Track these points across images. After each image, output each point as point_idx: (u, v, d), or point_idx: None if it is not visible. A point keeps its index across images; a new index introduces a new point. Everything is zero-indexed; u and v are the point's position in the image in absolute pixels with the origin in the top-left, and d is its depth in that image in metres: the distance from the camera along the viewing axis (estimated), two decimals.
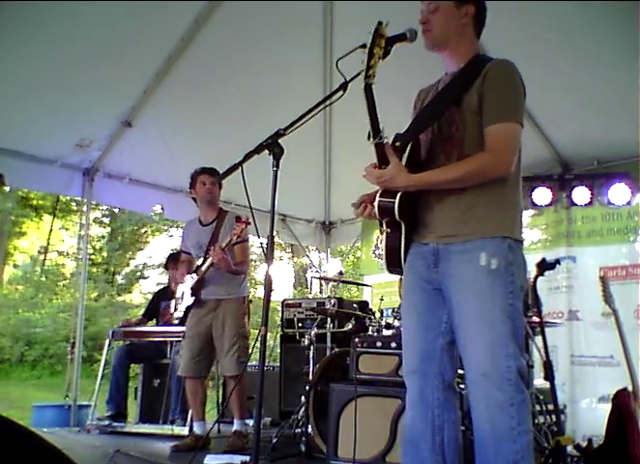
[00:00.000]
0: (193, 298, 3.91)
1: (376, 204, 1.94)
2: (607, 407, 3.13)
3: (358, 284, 7.56)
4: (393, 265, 2.02)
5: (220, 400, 5.03)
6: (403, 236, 1.96)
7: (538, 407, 3.56)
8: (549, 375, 2.87)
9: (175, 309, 4.16)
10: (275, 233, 2.41)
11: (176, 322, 4.22)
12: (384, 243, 2.00)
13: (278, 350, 5.21)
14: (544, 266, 2.95)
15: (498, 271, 1.81)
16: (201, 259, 3.92)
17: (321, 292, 7.18)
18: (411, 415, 1.96)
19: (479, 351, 1.79)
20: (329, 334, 4.06)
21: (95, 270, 15.90)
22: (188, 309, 3.98)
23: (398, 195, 1.90)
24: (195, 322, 3.90)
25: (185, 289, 4.01)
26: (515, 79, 1.91)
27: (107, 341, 4.88)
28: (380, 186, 1.94)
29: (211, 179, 3.91)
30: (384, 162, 1.92)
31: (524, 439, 1.74)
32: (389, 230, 1.97)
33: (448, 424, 1.91)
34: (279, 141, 2.02)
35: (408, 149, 1.96)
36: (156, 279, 16.41)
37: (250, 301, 4.12)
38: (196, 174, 3.95)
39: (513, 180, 1.94)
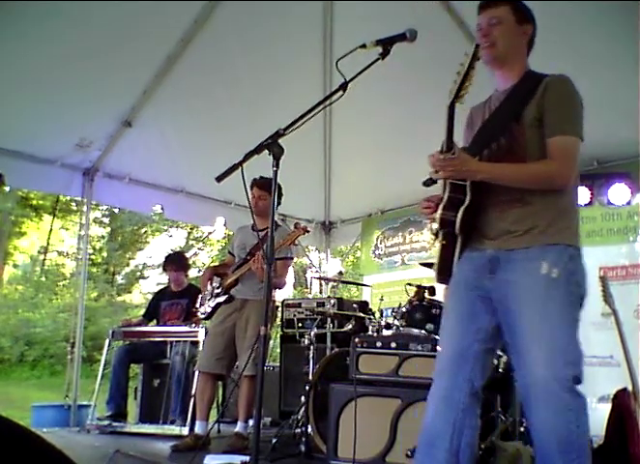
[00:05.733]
0: (225, 296, 3.97)
1: (438, 217, 1.98)
2: (607, 407, 3.13)
3: (358, 284, 7.56)
4: (444, 275, 2.04)
5: (221, 400, 5.03)
6: (458, 249, 2.00)
7: None
8: None
9: (201, 304, 4.18)
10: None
11: (201, 317, 4.23)
12: (438, 253, 2.04)
13: (278, 350, 5.21)
14: None
15: (558, 280, 1.83)
16: (241, 260, 3.98)
17: (321, 292, 7.17)
18: (432, 414, 1.96)
19: (537, 359, 1.81)
20: (329, 334, 4.06)
21: (95, 270, 15.90)
22: (217, 306, 4.02)
23: (461, 211, 1.94)
24: (221, 320, 3.95)
25: (212, 288, 4.09)
26: (575, 94, 1.96)
27: (107, 341, 4.88)
28: (449, 171, 1.93)
29: (259, 192, 3.93)
30: None
31: (581, 442, 1.77)
32: (445, 242, 2.01)
33: (467, 430, 1.92)
34: (279, 141, 2.01)
35: None
36: (156, 279, 16.43)
37: (277, 306, 4.15)
38: (252, 184, 3.95)
39: (572, 191, 1.98)
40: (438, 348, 2.09)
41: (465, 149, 2.01)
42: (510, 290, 1.89)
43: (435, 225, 2.00)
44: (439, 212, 1.98)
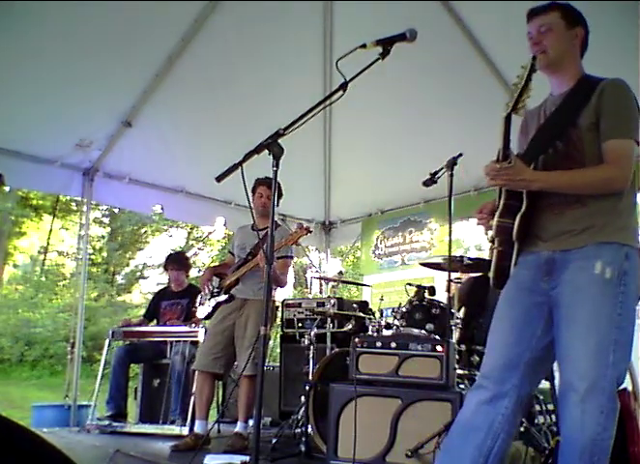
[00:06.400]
0: (226, 295, 3.98)
1: (494, 224, 1.99)
2: None
3: (358, 284, 7.56)
4: (502, 280, 2.05)
5: (221, 400, 5.03)
6: (515, 255, 2.01)
7: (537, 407, 3.56)
8: (549, 375, 2.86)
9: (201, 304, 4.18)
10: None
11: (201, 316, 4.24)
12: (494, 260, 2.05)
13: (278, 350, 5.21)
14: None
15: (611, 280, 1.84)
16: (241, 260, 3.98)
17: (321, 292, 7.17)
18: (473, 411, 1.96)
19: (580, 356, 1.82)
20: (329, 334, 4.06)
21: (95, 270, 15.90)
22: (217, 305, 4.03)
23: (518, 217, 1.94)
24: (220, 319, 3.95)
25: (212, 288, 4.09)
26: (632, 98, 1.96)
27: (107, 341, 4.88)
28: (504, 179, 1.93)
29: (267, 192, 3.93)
30: None
31: (604, 445, 1.79)
32: (501, 249, 2.02)
33: (504, 435, 1.92)
34: (279, 141, 2.01)
35: None
36: (156, 279, 16.45)
37: (277, 307, 4.14)
38: (257, 183, 3.96)
39: (629, 192, 1.99)
40: (486, 348, 2.07)
41: (520, 155, 2.01)
42: (564, 288, 1.90)
43: (491, 232, 2.01)
44: (496, 219, 1.99)
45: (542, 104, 2.15)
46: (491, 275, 2.08)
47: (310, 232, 3.76)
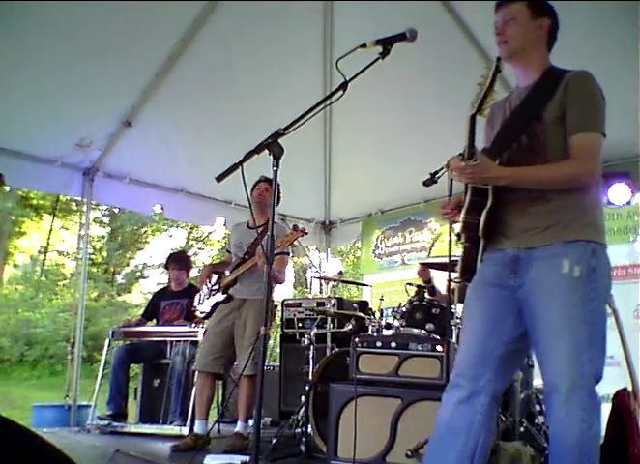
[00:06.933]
0: (225, 295, 3.98)
1: (461, 221, 1.99)
2: (607, 407, 3.12)
3: (357, 284, 7.56)
4: (468, 275, 2.06)
5: (221, 400, 5.03)
6: (481, 249, 2.01)
7: (537, 407, 3.56)
8: None
9: (200, 303, 4.19)
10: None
11: (200, 316, 4.24)
12: (462, 255, 2.06)
13: (278, 350, 5.21)
14: None
15: (580, 278, 1.83)
16: (238, 259, 3.98)
17: (321, 292, 7.17)
18: (450, 413, 1.95)
19: (558, 358, 1.82)
20: (329, 334, 4.07)
21: (95, 270, 15.90)
22: (216, 305, 4.03)
23: (484, 214, 1.94)
24: (219, 319, 3.96)
25: (210, 286, 4.10)
26: (597, 90, 1.94)
27: (107, 341, 4.88)
28: (469, 176, 1.92)
29: (266, 185, 3.97)
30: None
31: (593, 442, 1.78)
32: (468, 244, 2.02)
33: (485, 433, 1.92)
34: (279, 141, 2.01)
35: None
36: (156, 279, 16.44)
37: (276, 306, 4.14)
38: (257, 181, 4.00)
39: (595, 187, 1.97)
40: (459, 346, 2.11)
41: (486, 150, 2.01)
42: (532, 287, 1.89)
43: (458, 228, 2.01)
44: (462, 215, 1.98)
45: (508, 96, 2.13)
46: (458, 269, 2.08)
47: (306, 234, 3.77)
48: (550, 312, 1.84)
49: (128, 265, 18.03)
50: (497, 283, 1.97)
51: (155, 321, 5.19)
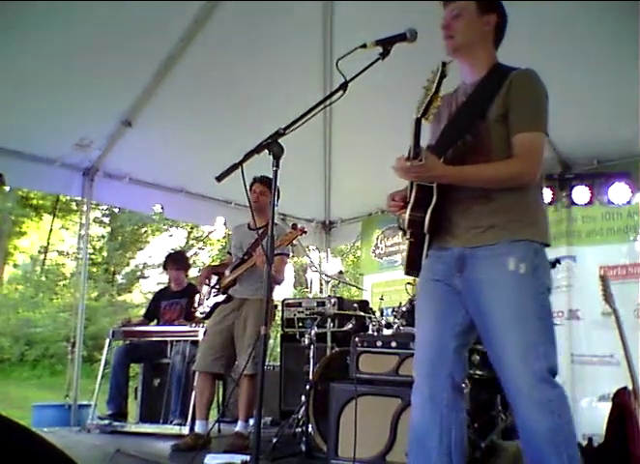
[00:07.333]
0: (224, 295, 3.99)
1: (406, 218, 1.98)
2: (607, 406, 3.13)
3: (354, 286, 7.56)
4: (413, 269, 2.07)
5: (221, 400, 5.03)
6: (426, 246, 2.02)
7: None
8: None
9: (199, 304, 4.19)
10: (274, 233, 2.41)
11: (200, 316, 4.25)
12: (407, 250, 2.07)
13: (278, 349, 5.21)
14: None
15: (526, 274, 1.85)
16: (238, 259, 3.99)
17: (321, 291, 7.18)
18: (419, 414, 1.97)
19: (512, 353, 1.83)
20: (329, 334, 4.07)
21: (95, 269, 15.89)
22: (215, 306, 4.04)
23: (429, 212, 1.93)
24: (219, 319, 3.97)
25: (210, 286, 4.12)
26: (541, 89, 1.94)
27: (107, 341, 4.89)
28: (414, 176, 1.95)
29: (260, 188, 3.98)
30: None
31: (566, 429, 1.78)
32: (413, 240, 2.03)
33: (455, 425, 1.93)
34: (279, 141, 2.01)
35: None
36: (156, 279, 16.43)
37: (276, 306, 4.14)
38: (252, 182, 4.00)
39: (537, 186, 1.99)
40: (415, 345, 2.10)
41: (431, 147, 2.01)
42: (480, 287, 1.90)
43: (404, 225, 2.01)
44: (407, 212, 1.98)
45: (455, 91, 2.12)
46: (403, 264, 2.10)
47: (305, 233, 3.78)
48: (501, 310, 1.85)
49: (128, 265, 18.03)
50: (444, 281, 1.99)
51: (156, 321, 5.20)
